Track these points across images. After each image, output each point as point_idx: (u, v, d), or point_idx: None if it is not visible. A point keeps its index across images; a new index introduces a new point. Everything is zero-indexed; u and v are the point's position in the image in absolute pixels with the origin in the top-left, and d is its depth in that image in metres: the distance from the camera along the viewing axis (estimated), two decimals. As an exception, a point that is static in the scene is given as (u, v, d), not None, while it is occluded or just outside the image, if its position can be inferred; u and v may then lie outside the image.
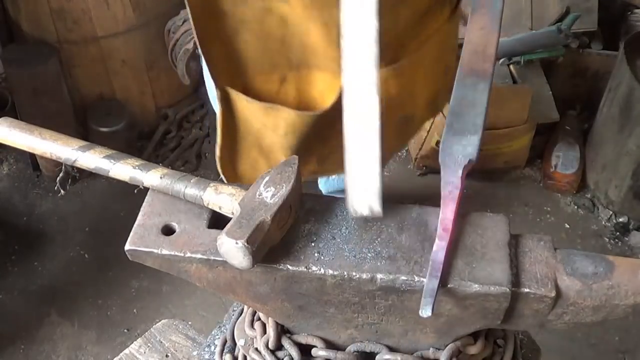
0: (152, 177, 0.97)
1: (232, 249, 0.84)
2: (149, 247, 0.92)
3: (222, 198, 0.93)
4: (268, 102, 1.29)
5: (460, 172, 0.95)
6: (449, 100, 1.22)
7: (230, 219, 0.88)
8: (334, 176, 2.25)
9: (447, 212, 0.91)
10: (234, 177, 1.42)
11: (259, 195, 0.90)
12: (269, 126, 1.33)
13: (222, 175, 1.41)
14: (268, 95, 1.32)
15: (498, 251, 0.91)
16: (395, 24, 1.30)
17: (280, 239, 0.91)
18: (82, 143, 1.00)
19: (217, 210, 0.95)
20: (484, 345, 1.00)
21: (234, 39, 1.26)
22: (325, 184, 2.32)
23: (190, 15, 1.15)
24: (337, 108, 1.20)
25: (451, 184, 0.94)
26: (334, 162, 1.32)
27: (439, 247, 0.89)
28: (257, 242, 0.84)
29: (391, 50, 1.32)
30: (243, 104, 1.29)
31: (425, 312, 0.85)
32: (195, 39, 1.24)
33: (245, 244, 0.83)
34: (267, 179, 0.92)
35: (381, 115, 0.99)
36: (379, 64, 1.08)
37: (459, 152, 0.98)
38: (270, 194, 0.90)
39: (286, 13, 1.22)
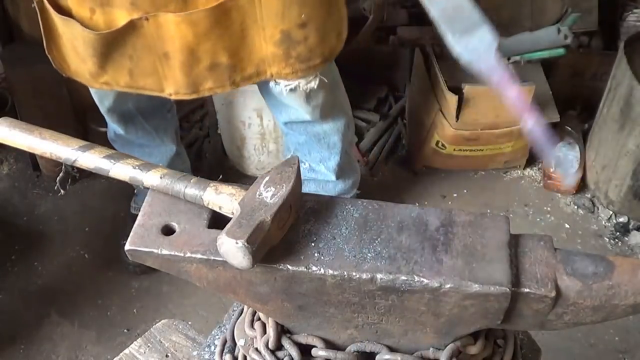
0: (152, 177, 0.97)
1: (232, 249, 0.84)
2: (149, 247, 0.92)
3: (222, 198, 0.93)
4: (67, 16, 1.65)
5: (493, 57, 0.87)
6: None
7: (230, 219, 0.88)
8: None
9: (512, 92, 0.83)
10: (69, 73, 1.83)
11: (259, 196, 0.90)
12: (74, 37, 1.68)
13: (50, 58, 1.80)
14: (83, 21, 1.65)
15: (498, 251, 0.91)
16: None
17: (280, 239, 0.91)
18: (82, 143, 1.00)
19: (217, 210, 0.95)
20: (484, 345, 1.00)
21: None
22: None
23: None
24: (125, 36, 1.63)
25: (495, 71, 0.86)
26: (146, 79, 1.74)
27: (534, 121, 0.81)
28: (257, 242, 0.84)
29: None
30: (52, 15, 1.67)
31: (570, 181, 0.82)
32: None
33: (245, 243, 0.83)
34: (267, 179, 0.92)
35: None
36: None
37: (479, 45, 0.90)
38: (270, 194, 0.90)
39: None
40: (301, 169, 2.32)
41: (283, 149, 2.72)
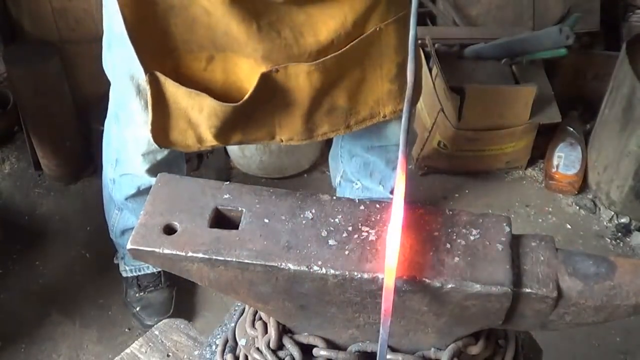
0: None
1: None
2: (151, 246, 0.92)
3: None
4: (194, 84, 1.46)
5: None
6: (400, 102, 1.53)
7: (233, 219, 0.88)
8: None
9: None
10: (166, 143, 1.59)
11: None
12: (195, 108, 1.49)
13: (154, 143, 1.58)
14: (196, 72, 1.47)
15: (499, 251, 0.91)
16: (343, 24, 1.44)
17: None
18: None
19: None
20: (485, 346, 1.00)
21: (163, 23, 1.40)
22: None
23: (117, 2, 1.25)
24: (257, 95, 1.44)
25: None
26: (258, 133, 1.57)
27: None
28: None
29: (323, 48, 1.46)
30: (171, 87, 1.46)
31: None
32: (124, 25, 1.37)
33: None
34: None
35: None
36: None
37: None
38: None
39: (207, 6, 1.35)
40: (352, 189, 2.18)
41: (285, 149, 2.71)
